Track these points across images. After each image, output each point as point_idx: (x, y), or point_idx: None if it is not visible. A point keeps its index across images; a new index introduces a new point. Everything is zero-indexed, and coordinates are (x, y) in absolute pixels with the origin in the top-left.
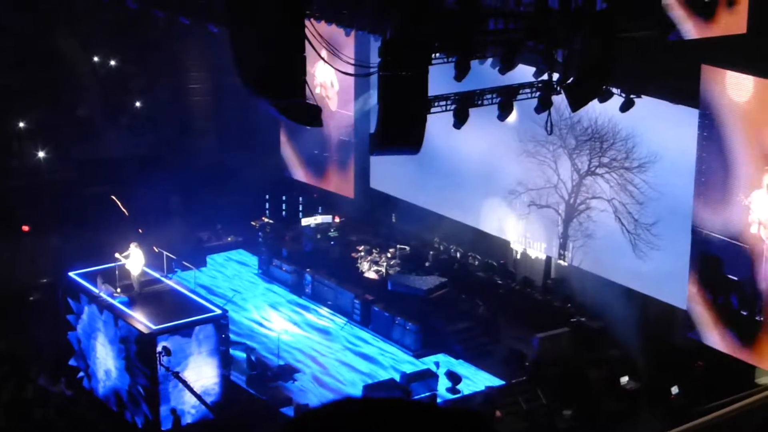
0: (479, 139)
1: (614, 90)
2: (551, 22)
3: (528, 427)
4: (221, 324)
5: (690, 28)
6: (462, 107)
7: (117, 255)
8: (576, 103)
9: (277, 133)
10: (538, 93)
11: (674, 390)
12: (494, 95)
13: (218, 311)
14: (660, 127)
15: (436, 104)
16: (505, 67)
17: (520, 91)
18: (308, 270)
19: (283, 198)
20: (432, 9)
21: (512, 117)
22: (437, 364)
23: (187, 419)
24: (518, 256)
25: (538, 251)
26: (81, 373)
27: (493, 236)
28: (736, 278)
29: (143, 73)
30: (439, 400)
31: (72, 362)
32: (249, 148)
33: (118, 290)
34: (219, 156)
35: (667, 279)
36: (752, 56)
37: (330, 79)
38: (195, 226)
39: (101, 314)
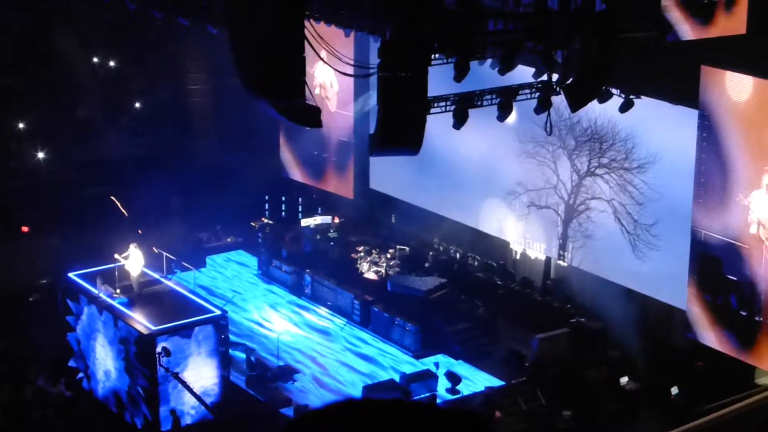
0: (479, 140)
1: (614, 90)
2: (551, 22)
3: (527, 427)
4: (221, 325)
5: (687, 30)
6: (461, 108)
7: (116, 256)
8: (575, 104)
9: (276, 134)
10: (537, 94)
11: (674, 390)
12: (494, 96)
13: (218, 312)
14: (659, 128)
15: (435, 105)
16: (505, 67)
17: (520, 92)
18: (308, 271)
19: (283, 199)
20: (431, 10)
21: (512, 118)
22: (437, 364)
23: (187, 420)
24: (518, 257)
25: (537, 252)
26: (80, 374)
27: (492, 237)
28: (735, 279)
29: (143, 74)
30: (438, 400)
31: (71, 363)
32: (248, 148)
33: (118, 291)
34: (218, 157)
35: (667, 279)
36: (751, 56)
37: (329, 80)
38: (194, 226)
39: (101, 315)
